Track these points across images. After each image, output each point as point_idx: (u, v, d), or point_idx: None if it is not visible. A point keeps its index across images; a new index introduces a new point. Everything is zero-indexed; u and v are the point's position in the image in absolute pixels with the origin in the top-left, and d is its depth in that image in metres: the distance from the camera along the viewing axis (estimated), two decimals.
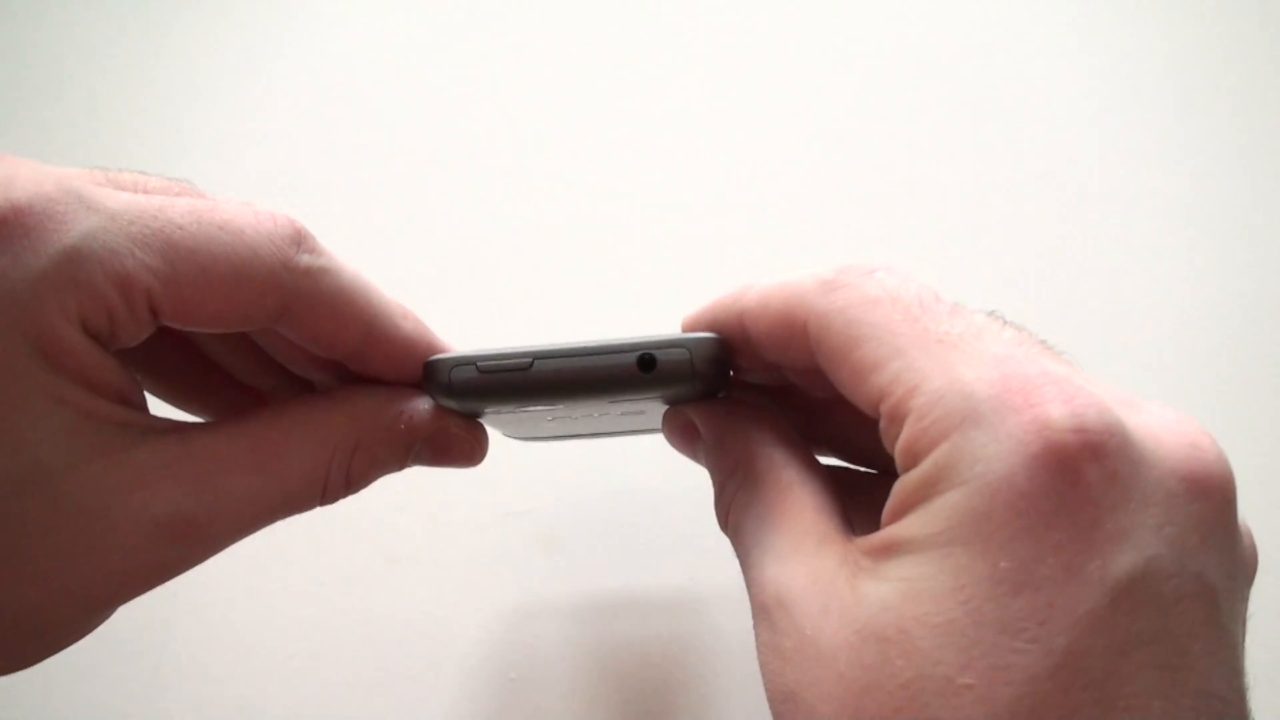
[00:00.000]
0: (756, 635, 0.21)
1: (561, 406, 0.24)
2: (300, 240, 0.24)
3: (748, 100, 0.57)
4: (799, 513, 0.22)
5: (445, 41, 0.59)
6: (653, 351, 0.23)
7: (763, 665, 0.21)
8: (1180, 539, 0.18)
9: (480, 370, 0.24)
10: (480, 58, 0.58)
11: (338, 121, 0.58)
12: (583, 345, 0.23)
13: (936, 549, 0.18)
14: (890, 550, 0.19)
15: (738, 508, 0.23)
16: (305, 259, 0.24)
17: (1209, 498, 0.19)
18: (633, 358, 0.23)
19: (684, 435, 0.26)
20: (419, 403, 0.26)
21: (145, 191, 0.24)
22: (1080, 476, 0.17)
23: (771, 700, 0.20)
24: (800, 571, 0.20)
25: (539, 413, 0.25)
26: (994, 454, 0.18)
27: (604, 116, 0.57)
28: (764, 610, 0.21)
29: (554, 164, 0.56)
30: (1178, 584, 0.17)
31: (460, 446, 0.26)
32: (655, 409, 0.26)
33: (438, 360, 0.24)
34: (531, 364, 0.23)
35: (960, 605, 0.17)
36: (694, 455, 0.26)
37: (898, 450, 0.20)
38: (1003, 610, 0.17)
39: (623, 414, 0.26)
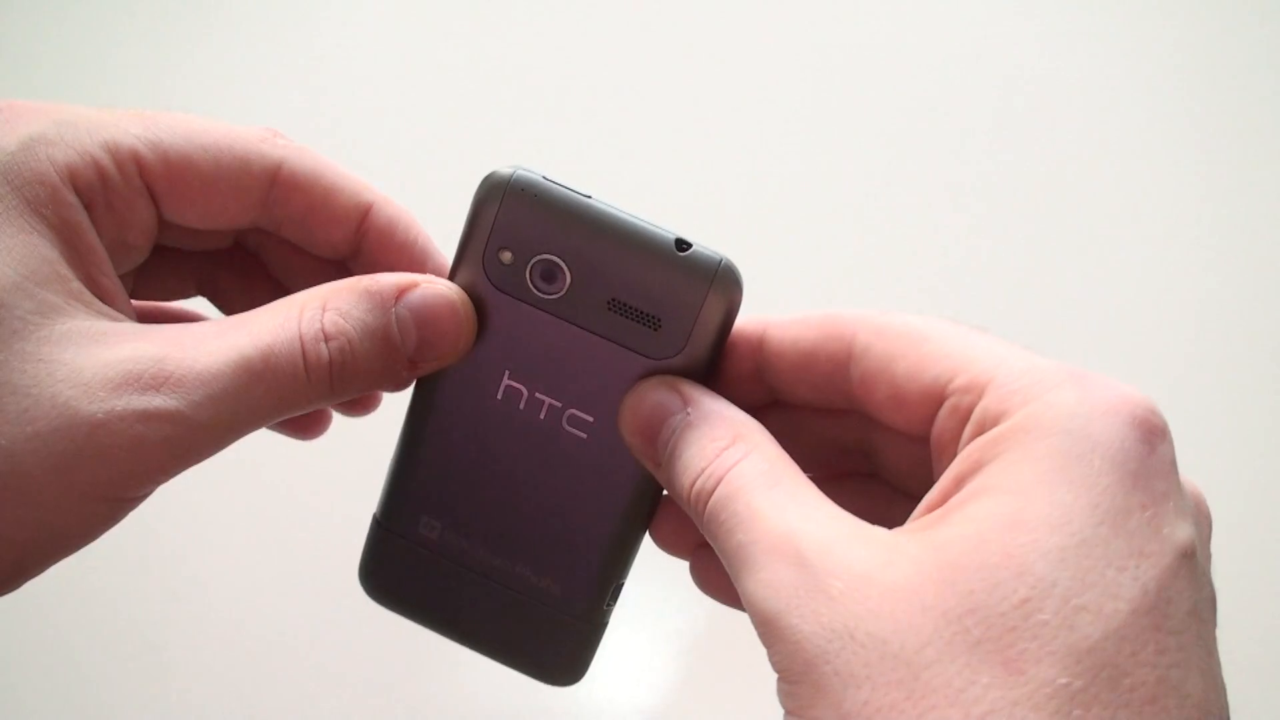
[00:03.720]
0: (766, 584, 0.21)
1: (591, 261, 0.25)
2: (277, 133, 0.26)
3: (751, 102, 0.57)
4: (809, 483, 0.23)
5: (445, 40, 0.59)
6: (690, 243, 0.25)
7: (786, 609, 0.20)
8: (1200, 530, 0.20)
9: (546, 179, 0.25)
10: (482, 57, 0.58)
11: (337, 119, 0.58)
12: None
13: (1040, 486, 0.19)
14: (972, 496, 0.20)
15: (744, 471, 0.23)
16: (282, 140, 0.26)
17: (1204, 509, 0.22)
18: (672, 237, 0.25)
19: (654, 416, 0.25)
20: (384, 274, 0.26)
21: None
22: (1155, 450, 0.20)
23: (807, 640, 0.20)
24: (835, 523, 0.21)
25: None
26: (1089, 413, 0.20)
27: (606, 115, 0.57)
28: (789, 557, 0.21)
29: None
30: (1204, 568, 0.20)
31: (444, 304, 0.25)
32: (611, 410, 0.26)
33: (498, 170, 0.25)
34: (591, 196, 0.25)
35: (1070, 536, 0.19)
36: (651, 444, 0.25)
37: (977, 413, 0.21)
38: (1105, 547, 0.19)
39: (567, 423, 0.26)
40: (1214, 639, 0.19)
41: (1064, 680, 0.18)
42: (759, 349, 0.26)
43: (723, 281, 0.25)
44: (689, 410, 0.24)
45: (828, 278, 0.55)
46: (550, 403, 0.26)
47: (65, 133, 0.23)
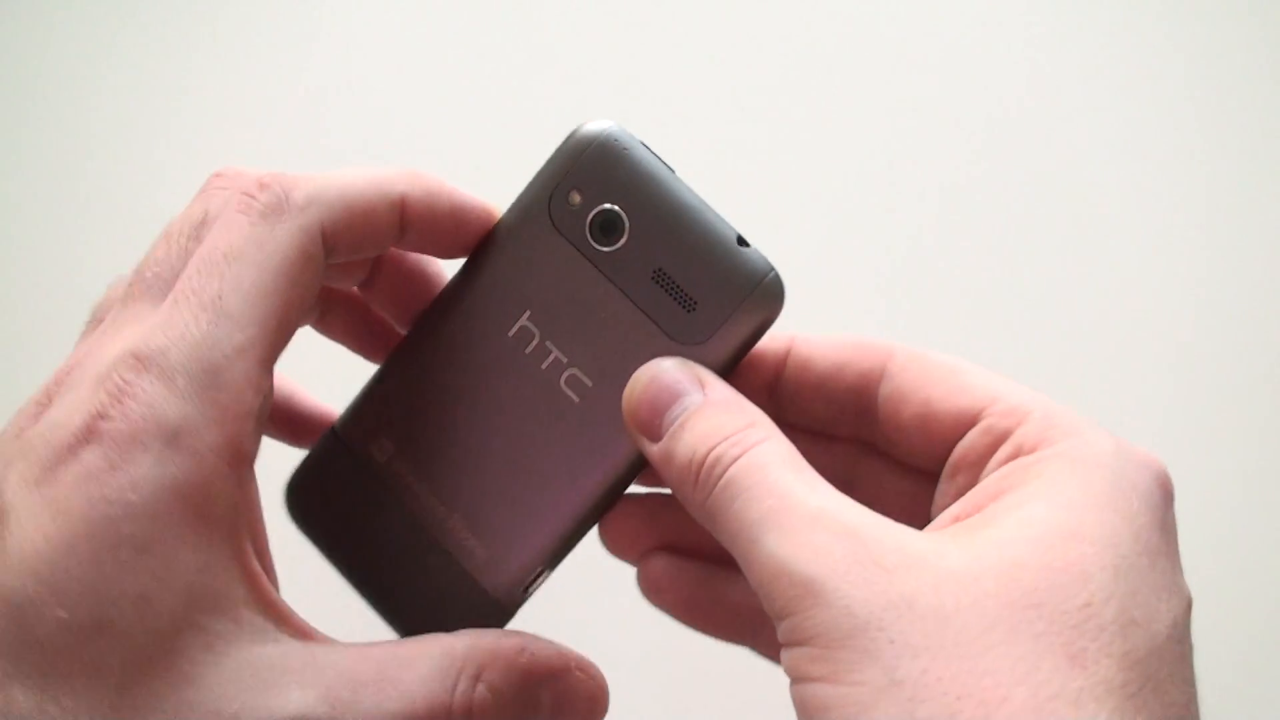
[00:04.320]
0: (805, 547, 0.21)
1: (653, 226, 0.25)
2: (266, 185, 0.24)
3: (749, 100, 0.57)
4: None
5: (446, 39, 0.59)
6: (749, 242, 0.25)
7: (833, 574, 0.20)
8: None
9: (641, 142, 0.26)
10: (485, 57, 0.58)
11: (337, 119, 0.58)
12: None
13: (1091, 508, 0.21)
14: (1019, 506, 0.21)
15: (769, 450, 0.23)
16: (296, 196, 0.24)
17: None
18: (735, 231, 0.25)
19: (668, 390, 0.24)
20: (540, 642, 0.25)
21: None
22: (1170, 509, 0.22)
23: (858, 605, 0.20)
24: (869, 511, 0.22)
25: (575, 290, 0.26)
26: (1126, 459, 0.22)
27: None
28: (834, 528, 0.21)
29: None
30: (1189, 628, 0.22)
31: (584, 694, 0.25)
32: (614, 385, 0.25)
33: (598, 119, 0.26)
34: (674, 171, 0.26)
35: (1121, 558, 0.20)
36: (656, 416, 0.25)
37: (1017, 436, 0.23)
38: (1147, 575, 0.20)
39: (565, 382, 0.26)
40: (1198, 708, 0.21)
41: (1120, 680, 0.19)
42: (782, 360, 0.27)
43: (767, 290, 0.25)
44: (706, 393, 0.24)
45: (827, 279, 0.55)
46: (557, 355, 0.26)
47: (204, 404, 0.21)
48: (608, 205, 0.25)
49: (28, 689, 0.19)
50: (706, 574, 0.28)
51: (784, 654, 0.21)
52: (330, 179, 0.24)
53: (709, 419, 0.24)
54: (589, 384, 0.26)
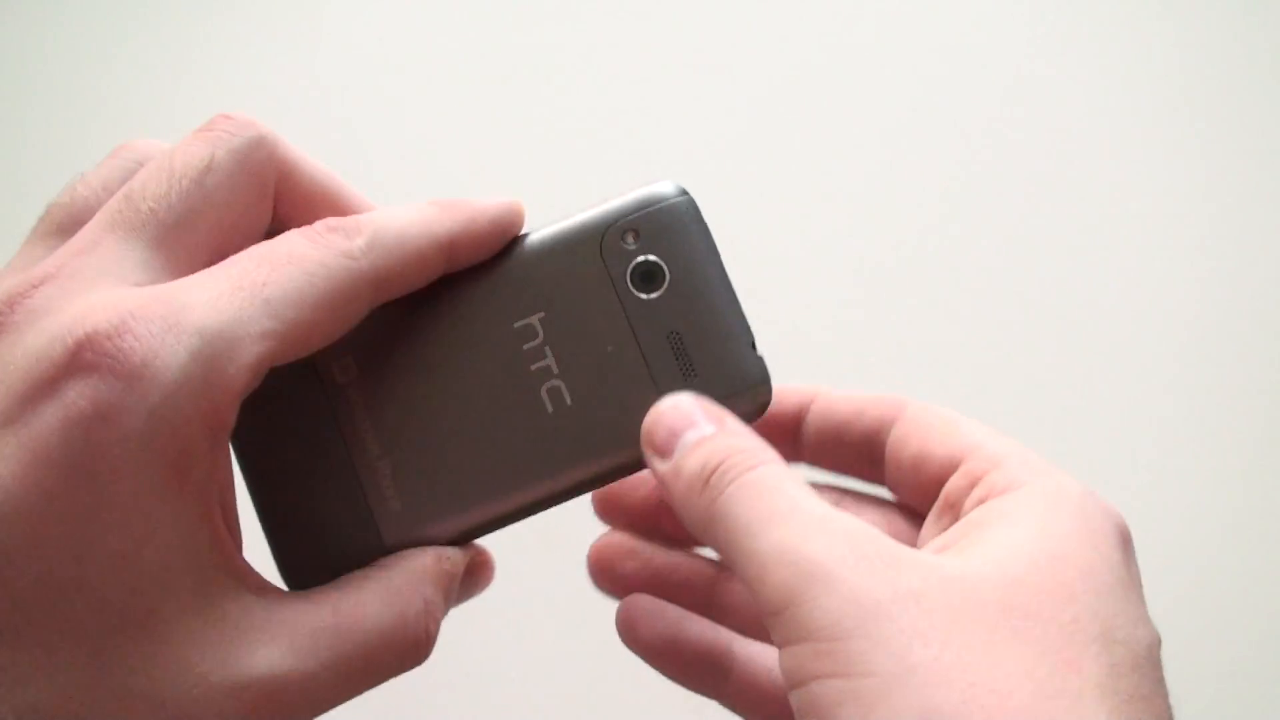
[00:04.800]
0: (813, 540, 0.21)
1: (687, 294, 0.26)
2: (334, 229, 0.23)
3: (746, 100, 0.57)
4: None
5: (447, 36, 0.59)
6: (758, 349, 0.27)
7: (843, 564, 0.21)
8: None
9: (687, 193, 0.27)
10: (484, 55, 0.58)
11: (335, 115, 0.59)
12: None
13: (1071, 539, 0.22)
14: (1005, 533, 0.23)
15: (782, 471, 0.24)
16: (358, 242, 0.23)
17: None
18: (751, 336, 0.27)
19: (686, 419, 0.25)
20: (445, 550, 0.26)
21: (156, 213, 0.23)
22: (1131, 557, 0.23)
23: (867, 594, 0.20)
24: (864, 524, 0.22)
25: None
26: (1092, 504, 0.23)
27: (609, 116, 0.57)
28: (839, 532, 0.22)
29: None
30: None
31: (483, 573, 0.27)
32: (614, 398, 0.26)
33: (676, 181, 0.27)
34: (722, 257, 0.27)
35: (1102, 584, 0.21)
36: (672, 438, 0.25)
37: (990, 479, 0.25)
38: (1123, 602, 0.21)
39: (546, 390, 0.26)
40: None
41: (1112, 687, 0.20)
42: (808, 402, 0.29)
43: (756, 394, 0.26)
44: (723, 428, 0.25)
45: (826, 281, 0.55)
46: (550, 364, 0.26)
47: (208, 369, 0.20)
48: (655, 259, 0.27)
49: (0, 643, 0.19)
50: (681, 616, 0.29)
51: (783, 656, 0.21)
52: (388, 224, 0.24)
53: (725, 441, 0.24)
54: (567, 401, 0.26)
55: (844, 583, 0.20)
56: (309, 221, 0.24)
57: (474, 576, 0.27)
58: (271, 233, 0.25)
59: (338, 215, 0.24)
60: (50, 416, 0.19)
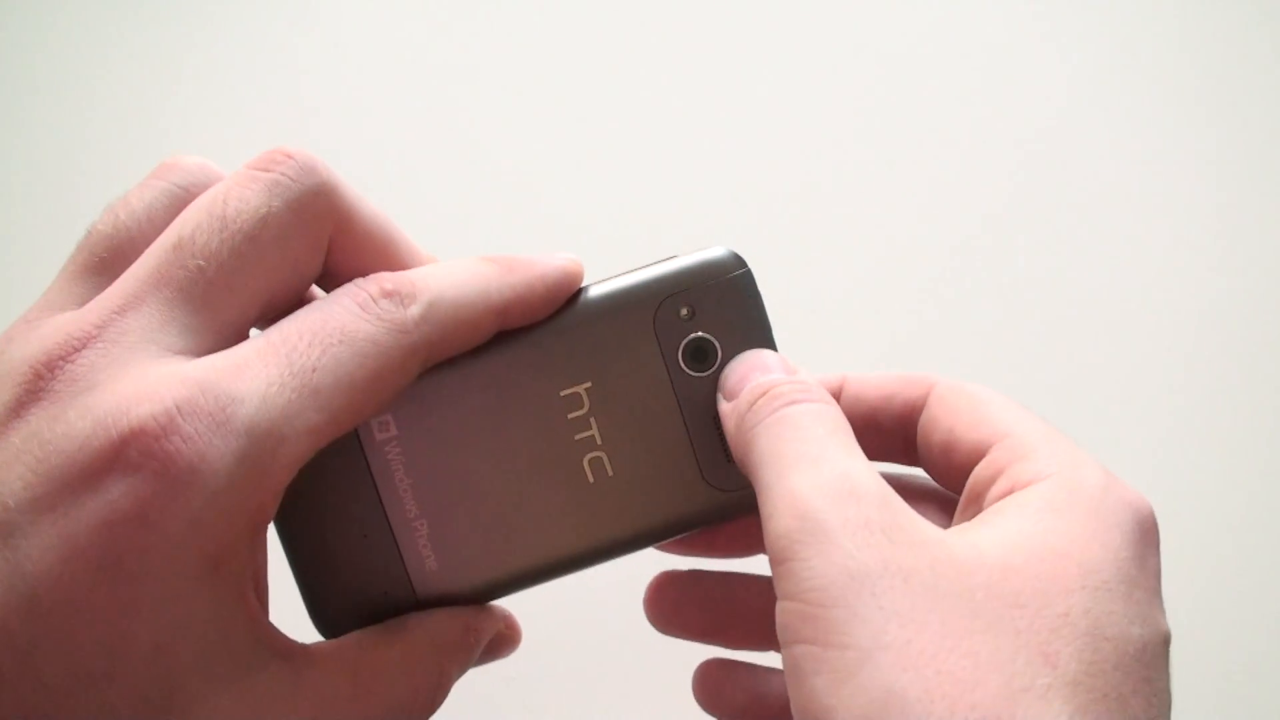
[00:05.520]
0: (820, 488, 0.22)
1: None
2: (390, 293, 0.22)
3: (745, 106, 0.57)
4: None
5: (448, 34, 0.59)
6: None
7: (841, 528, 0.21)
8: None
9: (745, 264, 0.26)
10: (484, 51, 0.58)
11: (334, 112, 0.58)
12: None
13: (1078, 535, 0.22)
14: (1015, 522, 0.23)
15: (827, 409, 0.24)
16: (413, 312, 0.23)
17: None
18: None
19: (766, 366, 0.26)
20: (477, 614, 0.26)
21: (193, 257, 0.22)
22: (1150, 548, 0.23)
23: (855, 561, 0.20)
24: (885, 486, 0.23)
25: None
26: (1115, 498, 0.23)
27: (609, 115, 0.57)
28: (847, 489, 0.22)
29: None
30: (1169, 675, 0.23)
31: (509, 644, 0.28)
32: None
33: (739, 252, 0.27)
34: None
35: (1102, 582, 0.21)
36: (738, 387, 0.26)
37: (1015, 470, 0.24)
38: (1123, 602, 0.21)
39: (588, 460, 0.26)
40: None
41: (1086, 685, 0.20)
42: (836, 391, 0.29)
43: None
44: (792, 374, 0.26)
45: (825, 283, 0.55)
46: (594, 434, 0.26)
47: (254, 469, 0.20)
48: (709, 336, 0.26)
49: None
50: (753, 675, 0.30)
51: (779, 609, 0.21)
52: (444, 292, 0.23)
53: (789, 379, 0.25)
54: (609, 473, 0.26)
55: (838, 548, 0.20)
56: (361, 270, 0.23)
57: (499, 645, 0.27)
58: (322, 277, 0.24)
59: (391, 265, 0.24)
60: (91, 513, 0.19)
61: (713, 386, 0.26)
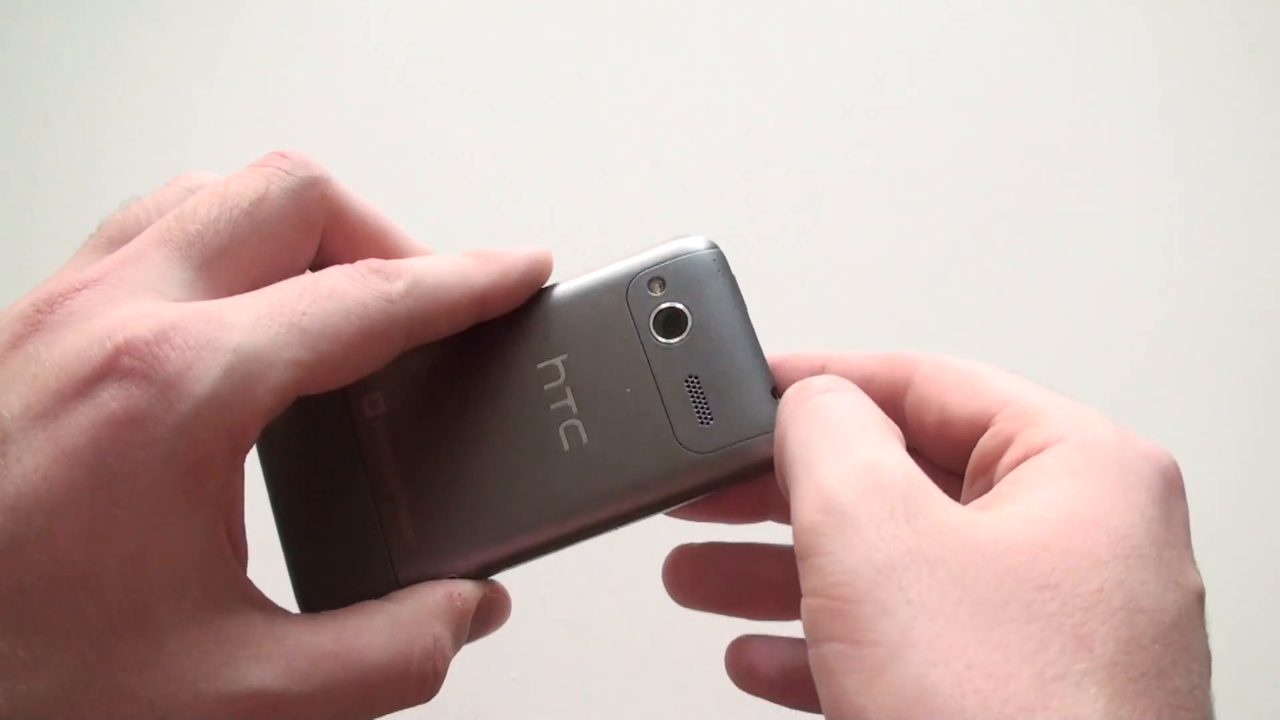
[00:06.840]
0: (843, 476, 0.22)
1: (708, 339, 0.27)
2: (376, 270, 0.24)
3: (734, 99, 0.57)
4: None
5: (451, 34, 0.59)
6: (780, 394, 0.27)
7: (868, 517, 0.21)
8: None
9: (716, 246, 0.28)
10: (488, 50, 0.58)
11: (333, 109, 0.58)
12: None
13: (1105, 500, 0.21)
14: (1040, 490, 0.22)
15: (861, 402, 0.24)
16: (398, 286, 0.24)
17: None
18: (772, 382, 0.27)
19: (813, 365, 0.27)
20: (457, 583, 0.26)
21: (182, 223, 0.23)
22: (1176, 500, 0.22)
23: (879, 552, 0.20)
24: (915, 469, 0.22)
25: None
26: (1133, 453, 0.22)
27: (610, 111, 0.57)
28: (872, 476, 0.22)
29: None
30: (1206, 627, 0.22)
31: (500, 606, 0.27)
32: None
33: (706, 236, 0.28)
34: (746, 306, 0.27)
35: (1133, 549, 0.21)
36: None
37: (1025, 436, 0.23)
38: (1154, 567, 0.21)
39: (564, 429, 0.26)
40: (1210, 695, 0.21)
41: (1124, 664, 0.19)
42: (819, 371, 0.28)
43: (770, 437, 0.26)
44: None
45: (820, 277, 0.55)
46: (569, 404, 0.27)
47: (238, 387, 0.21)
48: (680, 305, 0.27)
49: (2, 631, 0.19)
50: (793, 649, 0.30)
51: (804, 605, 0.21)
52: (427, 273, 0.24)
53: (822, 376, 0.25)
54: (584, 440, 0.27)
55: (864, 541, 0.20)
56: (353, 259, 0.24)
57: (488, 614, 0.27)
58: (316, 267, 0.25)
59: (382, 256, 0.25)
60: (82, 416, 0.20)
61: (685, 353, 0.27)
